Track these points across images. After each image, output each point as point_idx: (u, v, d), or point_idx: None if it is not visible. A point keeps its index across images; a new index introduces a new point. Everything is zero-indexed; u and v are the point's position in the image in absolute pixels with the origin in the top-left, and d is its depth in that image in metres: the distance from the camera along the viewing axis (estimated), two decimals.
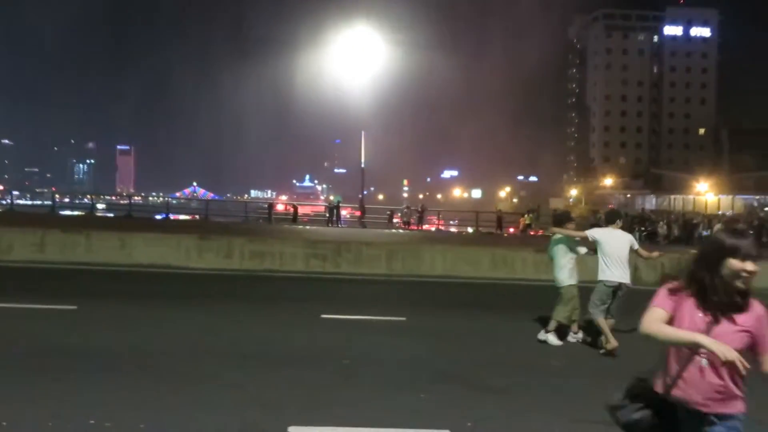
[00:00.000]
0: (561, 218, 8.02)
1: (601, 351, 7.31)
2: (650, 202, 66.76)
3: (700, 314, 2.59)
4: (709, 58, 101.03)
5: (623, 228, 8.15)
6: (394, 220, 34.14)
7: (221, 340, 7.20)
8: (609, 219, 7.85)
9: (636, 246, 7.55)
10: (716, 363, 2.49)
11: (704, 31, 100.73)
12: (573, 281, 7.76)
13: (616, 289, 7.35)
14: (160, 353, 6.40)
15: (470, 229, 33.73)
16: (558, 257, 7.81)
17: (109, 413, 4.53)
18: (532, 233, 30.84)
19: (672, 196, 69.20)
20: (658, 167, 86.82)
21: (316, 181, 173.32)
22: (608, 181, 79.11)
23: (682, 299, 2.64)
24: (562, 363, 6.84)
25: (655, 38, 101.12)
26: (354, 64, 38.18)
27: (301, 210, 36.98)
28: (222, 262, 13.45)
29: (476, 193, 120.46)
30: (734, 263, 2.54)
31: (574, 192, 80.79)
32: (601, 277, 7.39)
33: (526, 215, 33.77)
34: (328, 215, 31.61)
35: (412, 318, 8.90)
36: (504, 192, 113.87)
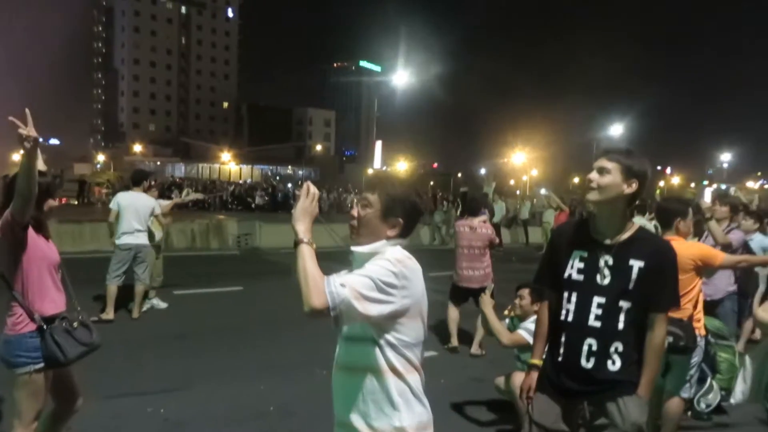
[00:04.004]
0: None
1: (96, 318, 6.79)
2: (180, 170, 68.81)
3: None
4: (232, 36, 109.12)
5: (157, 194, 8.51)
6: None
7: None
8: (136, 181, 7.58)
9: (158, 211, 7.56)
10: None
11: (228, 11, 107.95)
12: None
13: (137, 252, 7.32)
14: None
15: None
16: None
17: None
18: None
19: (200, 165, 73.12)
20: (188, 136, 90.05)
21: None
22: (138, 147, 77.99)
23: None
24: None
25: (183, 9, 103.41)
26: None
27: None
28: None
29: None
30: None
31: (102, 158, 76.85)
32: (117, 241, 7.26)
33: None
34: None
35: None
36: (18, 155, 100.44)
